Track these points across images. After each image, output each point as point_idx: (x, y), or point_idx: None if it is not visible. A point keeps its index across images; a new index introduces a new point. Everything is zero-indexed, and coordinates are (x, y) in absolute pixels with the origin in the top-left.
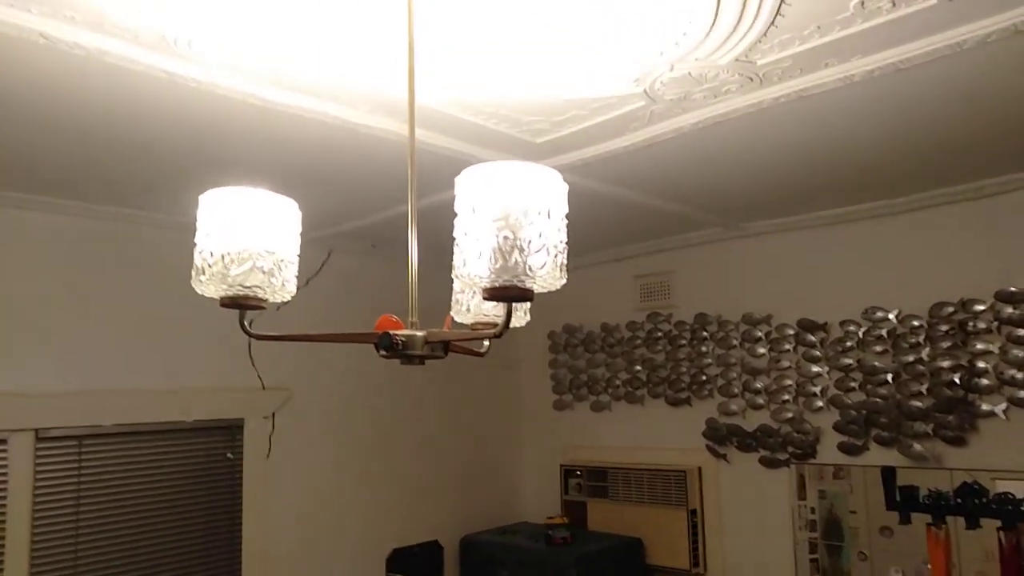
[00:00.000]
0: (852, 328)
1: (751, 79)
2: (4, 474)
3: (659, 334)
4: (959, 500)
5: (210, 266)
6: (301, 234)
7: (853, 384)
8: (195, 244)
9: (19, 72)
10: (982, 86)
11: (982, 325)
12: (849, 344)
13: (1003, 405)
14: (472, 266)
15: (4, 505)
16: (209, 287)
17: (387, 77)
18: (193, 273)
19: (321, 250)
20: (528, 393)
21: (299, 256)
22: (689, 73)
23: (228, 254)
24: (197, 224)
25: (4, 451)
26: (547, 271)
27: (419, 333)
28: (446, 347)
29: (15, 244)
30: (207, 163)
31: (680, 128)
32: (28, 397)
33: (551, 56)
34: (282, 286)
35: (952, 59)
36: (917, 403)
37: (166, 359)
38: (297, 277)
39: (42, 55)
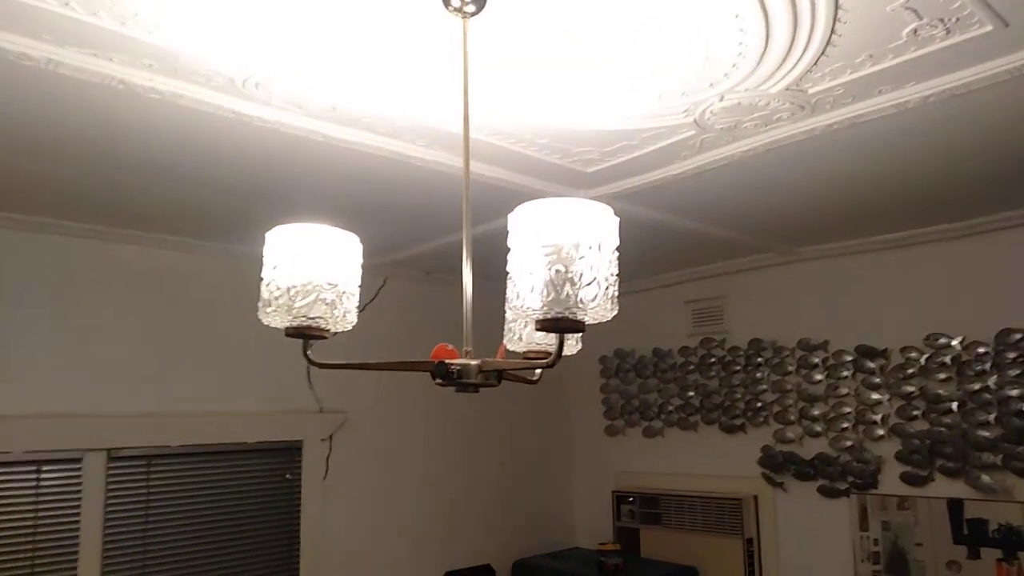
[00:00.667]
0: (913, 355)
1: (802, 107)
2: (79, 490)
3: (712, 359)
4: None
5: (276, 298)
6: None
7: (916, 412)
8: (262, 278)
9: (99, 116)
10: None
11: None
12: (911, 371)
13: None
14: (525, 299)
15: (78, 520)
16: (275, 318)
17: (442, 112)
18: (260, 305)
19: (377, 277)
20: (579, 418)
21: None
22: (739, 103)
23: (293, 287)
24: (264, 258)
25: (79, 469)
26: (598, 303)
27: (473, 362)
28: (499, 375)
29: (94, 273)
30: (274, 198)
31: (731, 156)
32: (101, 418)
33: (601, 88)
34: (343, 316)
35: (1010, 84)
36: (984, 433)
37: (230, 383)
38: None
39: (120, 100)
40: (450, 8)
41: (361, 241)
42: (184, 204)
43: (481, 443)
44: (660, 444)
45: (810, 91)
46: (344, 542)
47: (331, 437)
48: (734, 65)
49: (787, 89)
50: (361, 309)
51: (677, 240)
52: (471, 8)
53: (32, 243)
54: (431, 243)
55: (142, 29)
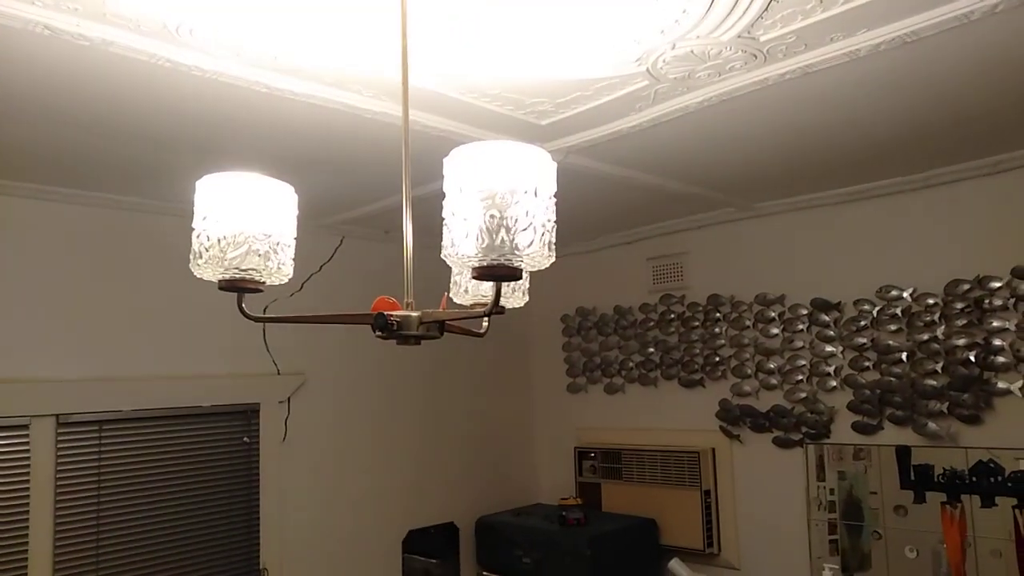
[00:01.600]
0: (866, 307)
1: (755, 56)
2: (27, 459)
3: (672, 316)
4: (974, 478)
5: (207, 250)
6: (314, 220)
7: (867, 363)
8: (193, 228)
9: (23, 65)
10: (993, 57)
11: (998, 302)
12: (863, 323)
13: (1020, 383)
14: (460, 246)
15: (28, 489)
16: (207, 271)
17: (388, 60)
18: (191, 257)
19: (335, 236)
20: (542, 376)
21: (303, 250)
22: (692, 51)
23: (224, 238)
24: (195, 208)
25: (26, 436)
26: (535, 250)
27: (414, 313)
28: (441, 327)
29: (32, 234)
30: (216, 151)
31: (685, 107)
32: (49, 383)
33: (551, 36)
34: (278, 268)
35: (960, 30)
36: (932, 382)
37: (183, 345)
38: (295, 264)
39: (46, 46)
40: None
41: (315, 198)
42: (125, 159)
43: (443, 402)
44: (621, 400)
45: (762, 39)
46: (305, 504)
47: (289, 399)
48: (684, 11)
49: (739, 37)
50: (318, 269)
51: (637, 196)
52: None
53: None
54: (387, 200)
55: None
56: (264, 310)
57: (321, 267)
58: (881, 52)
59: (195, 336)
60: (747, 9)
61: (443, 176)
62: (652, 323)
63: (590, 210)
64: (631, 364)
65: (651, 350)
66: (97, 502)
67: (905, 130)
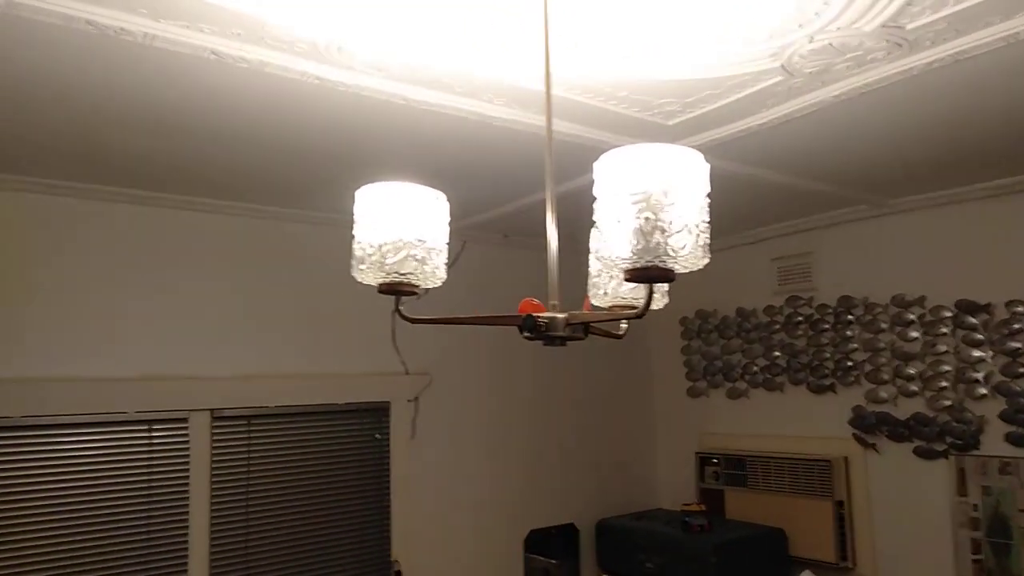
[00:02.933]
0: (1020, 309)
1: (899, 45)
2: (187, 448)
3: (799, 318)
4: None
5: (368, 255)
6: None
7: (1022, 370)
8: (353, 236)
9: (192, 87)
10: None
11: None
12: (1017, 327)
13: None
14: (613, 248)
15: (188, 475)
16: (368, 275)
17: (519, 69)
18: (352, 263)
19: (456, 241)
20: (661, 380)
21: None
22: (830, 44)
23: (384, 244)
24: (355, 217)
25: (186, 428)
26: (689, 251)
27: (560, 315)
28: (586, 328)
29: (194, 243)
30: (355, 162)
31: (821, 102)
32: (205, 380)
33: (682, 35)
34: (433, 273)
35: None
36: None
37: (321, 346)
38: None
39: (212, 70)
40: None
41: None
42: (273, 172)
43: (564, 404)
44: (745, 405)
45: (908, 27)
46: (432, 500)
47: (417, 398)
48: (825, 3)
49: (883, 26)
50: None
51: (762, 194)
52: None
53: (135, 215)
54: (509, 205)
55: None
56: (396, 307)
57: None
58: None
59: (332, 337)
60: None
61: (571, 180)
62: (778, 326)
63: (713, 209)
64: (755, 368)
65: (776, 354)
66: (247, 489)
67: None
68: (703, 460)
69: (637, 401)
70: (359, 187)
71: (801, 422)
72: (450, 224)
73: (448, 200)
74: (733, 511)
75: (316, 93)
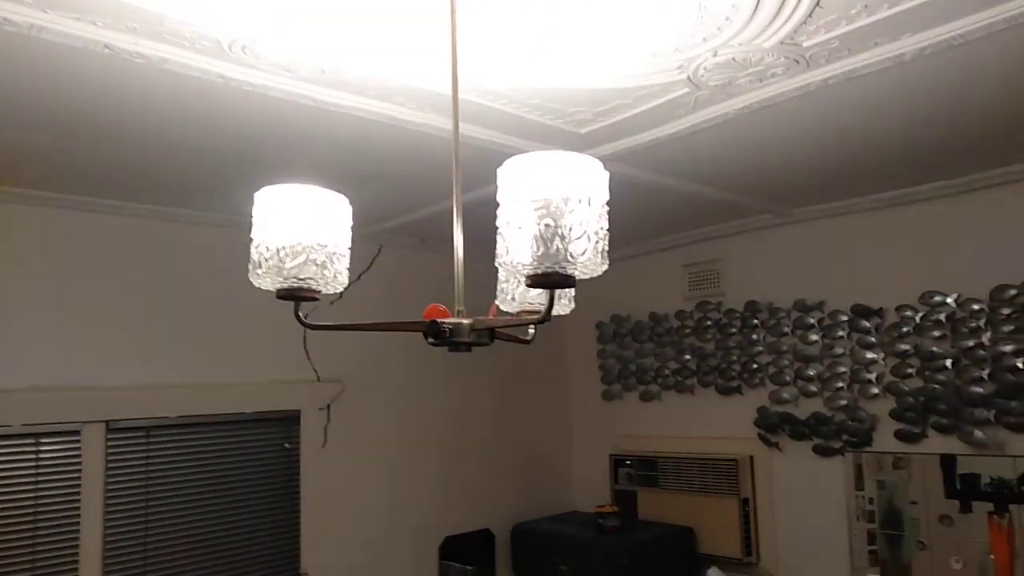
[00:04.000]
0: (909, 313)
1: (797, 62)
2: (79, 462)
3: (708, 323)
4: (1023, 488)
5: (266, 259)
6: (353, 230)
7: (910, 370)
8: (251, 239)
9: (84, 82)
10: None
11: None
12: (906, 330)
13: None
14: (515, 254)
15: (79, 491)
16: (265, 280)
17: (431, 73)
18: (250, 267)
19: (372, 246)
20: (577, 384)
21: (350, 250)
22: (733, 58)
23: (283, 248)
24: (253, 219)
25: (78, 441)
26: (588, 257)
27: (465, 321)
28: (492, 334)
29: (85, 246)
30: (263, 164)
31: (725, 114)
32: (100, 390)
33: (592, 45)
34: (334, 277)
35: (1008, 33)
36: (978, 389)
37: (226, 353)
38: (349, 270)
39: (106, 64)
40: None
41: (355, 208)
42: (174, 172)
43: (479, 409)
44: (657, 408)
45: (805, 44)
46: (344, 510)
47: (328, 406)
48: (727, 19)
49: (782, 43)
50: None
51: (673, 202)
52: None
53: (26, 216)
54: (425, 210)
55: None
56: (305, 318)
57: (360, 276)
58: (927, 56)
59: (238, 344)
60: (791, 16)
61: (485, 186)
62: (688, 330)
63: (625, 217)
64: (667, 371)
65: (687, 357)
66: (145, 505)
67: (949, 134)
68: (617, 462)
69: (553, 405)
70: (265, 187)
71: (710, 423)
72: (365, 229)
73: (362, 204)
74: (645, 511)
75: (220, 92)
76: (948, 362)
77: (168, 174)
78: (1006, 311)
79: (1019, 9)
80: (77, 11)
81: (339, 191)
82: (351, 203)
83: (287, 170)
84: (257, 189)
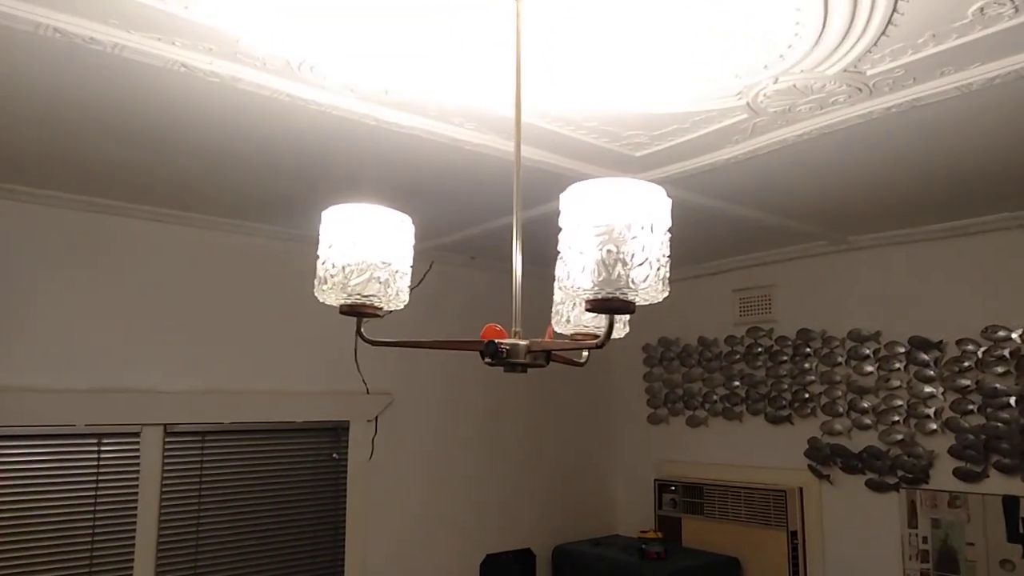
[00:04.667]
0: (970, 347)
1: (860, 89)
2: (137, 463)
3: (759, 349)
4: None
5: (332, 276)
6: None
7: (971, 407)
8: (318, 256)
9: (162, 100)
10: None
11: None
12: (967, 364)
13: None
14: (576, 278)
15: (136, 491)
16: (330, 296)
17: (492, 95)
18: (316, 283)
19: (423, 261)
20: (622, 406)
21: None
22: (794, 85)
23: (348, 265)
24: (320, 237)
25: (137, 443)
26: (649, 284)
27: (523, 342)
28: (548, 356)
29: (154, 255)
30: (325, 180)
31: (784, 140)
32: (158, 394)
33: (652, 71)
34: (396, 295)
35: None
36: None
37: (279, 363)
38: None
39: (182, 83)
40: None
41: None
42: (242, 187)
43: (522, 427)
44: (704, 434)
45: (868, 72)
46: (388, 522)
47: (377, 418)
48: (790, 46)
49: (844, 71)
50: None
51: (726, 227)
52: None
53: (96, 225)
54: (477, 228)
55: (203, 13)
56: (358, 329)
57: (411, 290)
58: (995, 86)
59: (291, 354)
60: (856, 43)
61: (537, 205)
62: (738, 356)
63: (677, 239)
64: (715, 397)
65: (736, 383)
66: (198, 508)
67: (1014, 164)
68: (661, 487)
69: (598, 426)
70: (326, 205)
71: (758, 452)
72: (417, 244)
73: (416, 221)
74: (690, 539)
75: (287, 110)
76: (1012, 400)
77: (235, 188)
78: None
79: None
80: (159, 32)
81: (395, 206)
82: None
83: (347, 186)
84: (317, 205)
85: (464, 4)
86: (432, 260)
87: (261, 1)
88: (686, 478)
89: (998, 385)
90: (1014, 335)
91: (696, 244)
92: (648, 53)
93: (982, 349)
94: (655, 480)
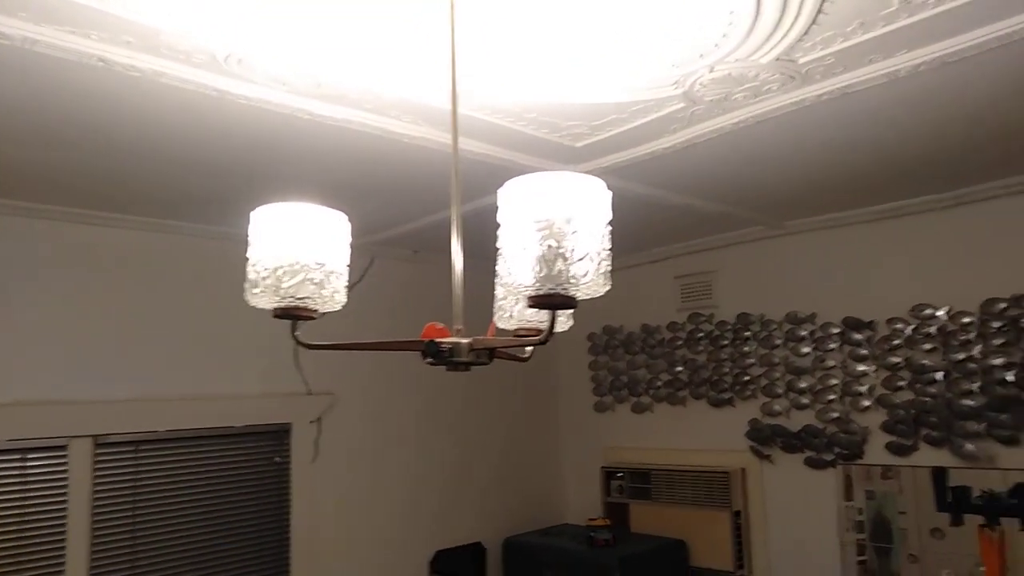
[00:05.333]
0: (900, 326)
1: (793, 78)
2: (65, 477)
3: (701, 334)
4: (1014, 500)
5: (263, 279)
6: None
7: (901, 383)
8: (248, 258)
9: (78, 96)
10: None
11: None
12: (897, 342)
13: None
14: (517, 275)
15: (66, 507)
16: (262, 299)
17: (428, 87)
18: (246, 286)
19: (363, 257)
20: (568, 395)
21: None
22: (729, 74)
23: (280, 267)
24: (249, 239)
25: (64, 457)
26: (590, 279)
27: (464, 340)
28: (491, 353)
29: (77, 258)
30: (258, 177)
31: (721, 128)
32: (87, 404)
33: (590, 62)
34: (332, 296)
35: (1000, 51)
36: (969, 402)
37: (217, 366)
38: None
39: (100, 78)
40: None
41: (348, 220)
42: (168, 185)
43: (469, 422)
44: (649, 419)
45: (800, 61)
46: (334, 524)
47: (319, 419)
48: (724, 35)
49: (777, 59)
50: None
51: (666, 215)
52: None
53: (13, 227)
54: (419, 221)
55: (120, 5)
56: (293, 332)
57: (351, 287)
58: (921, 72)
59: (228, 357)
60: (787, 32)
61: (478, 198)
62: (680, 342)
63: (618, 229)
64: (659, 383)
65: (679, 369)
66: (132, 521)
67: (940, 148)
68: (609, 474)
69: (545, 416)
70: (262, 202)
71: (702, 435)
72: (358, 240)
73: (356, 215)
74: (637, 524)
75: (216, 106)
76: (939, 375)
77: (162, 186)
78: (996, 324)
79: (1009, 29)
80: (72, 25)
81: (333, 203)
82: (346, 215)
83: (282, 182)
84: (252, 202)
85: None
86: (372, 256)
87: None
88: (633, 464)
89: (926, 361)
90: (940, 313)
91: (638, 232)
92: (584, 44)
93: (911, 327)
94: (602, 467)
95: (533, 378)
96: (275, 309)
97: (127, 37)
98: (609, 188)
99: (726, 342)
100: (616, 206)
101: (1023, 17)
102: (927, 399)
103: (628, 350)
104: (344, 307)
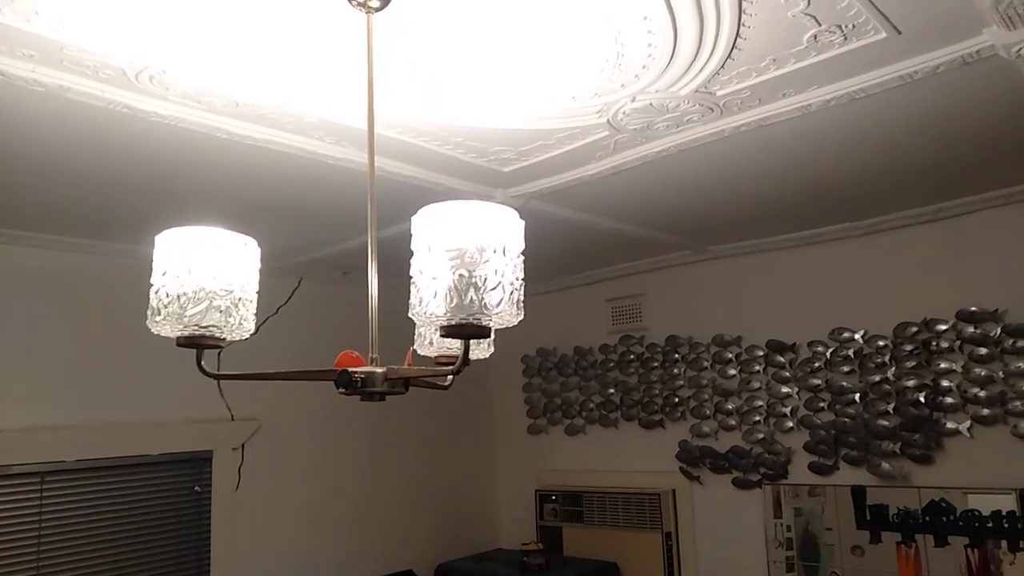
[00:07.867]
0: (820, 349)
1: (711, 109)
2: None
3: (631, 356)
4: (927, 518)
5: (165, 307)
6: (272, 262)
7: (822, 404)
8: (151, 284)
9: None
10: (936, 113)
11: (945, 344)
12: (817, 364)
13: (967, 423)
14: (428, 304)
15: None
16: (165, 327)
17: (349, 108)
18: (148, 314)
19: (292, 278)
20: (502, 418)
21: (259, 292)
22: (651, 104)
23: (184, 294)
24: (153, 265)
25: None
26: (503, 308)
27: (379, 370)
28: (407, 383)
29: None
30: (177, 195)
31: (644, 157)
32: None
33: (513, 88)
34: (239, 324)
35: (905, 88)
36: (884, 422)
37: (132, 391)
38: (256, 314)
39: (1, 93)
40: (354, 3)
41: (274, 241)
42: (80, 203)
43: (402, 446)
44: (582, 442)
45: (718, 93)
46: (257, 555)
47: (243, 446)
48: (644, 67)
49: (696, 91)
50: (274, 312)
51: (596, 239)
52: (375, 3)
53: None
54: (347, 243)
55: (20, 16)
56: (218, 355)
57: (278, 309)
58: (831, 107)
59: (145, 382)
60: (704, 66)
61: (406, 221)
62: (612, 364)
63: (550, 252)
64: (591, 405)
65: (611, 391)
66: (37, 559)
67: (853, 179)
68: (542, 497)
69: (478, 440)
70: (178, 222)
71: (633, 457)
72: (285, 260)
73: (280, 236)
74: (571, 547)
75: (127, 122)
76: (857, 396)
77: (76, 205)
78: (908, 347)
79: (911, 68)
80: None
81: (259, 224)
82: (270, 236)
83: (203, 201)
84: (172, 221)
85: (317, 14)
86: (301, 277)
87: (88, 5)
88: (566, 487)
89: (844, 383)
90: (856, 336)
91: (569, 255)
92: (508, 71)
93: (830, 350)
94: (536, 491)
95: (469, 403)
96: (178, 338)
97: (28, 50)
98: (538, 212)
99: (656, 364)
100: (546, 230)
101: (923, 58)
102: (846, 420)
103: (561, 372)
104: (272, 328)
